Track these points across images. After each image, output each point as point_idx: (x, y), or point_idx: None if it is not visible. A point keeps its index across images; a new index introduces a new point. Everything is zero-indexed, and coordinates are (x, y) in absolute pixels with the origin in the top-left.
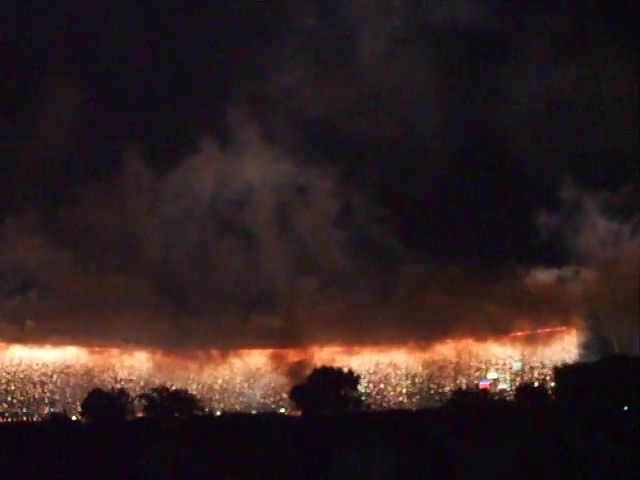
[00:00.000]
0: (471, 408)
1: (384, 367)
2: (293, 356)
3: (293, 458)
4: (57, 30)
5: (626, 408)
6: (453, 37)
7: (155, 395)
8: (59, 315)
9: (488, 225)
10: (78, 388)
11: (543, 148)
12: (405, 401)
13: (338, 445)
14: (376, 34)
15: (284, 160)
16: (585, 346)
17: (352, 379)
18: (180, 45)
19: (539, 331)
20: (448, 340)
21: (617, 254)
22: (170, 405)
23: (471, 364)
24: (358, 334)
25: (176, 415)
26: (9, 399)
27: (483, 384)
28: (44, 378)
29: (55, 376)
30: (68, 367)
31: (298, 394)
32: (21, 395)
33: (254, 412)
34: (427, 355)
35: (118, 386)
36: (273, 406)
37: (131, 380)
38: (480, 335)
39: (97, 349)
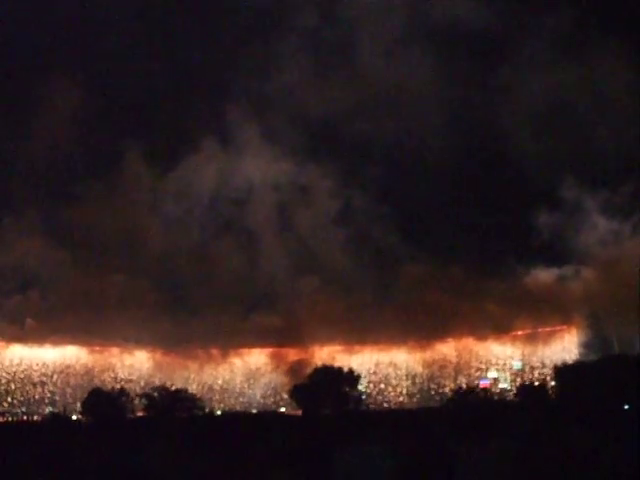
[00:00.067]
0: (471, 407)
1: (384, 367)
2: (293, 355)
3: (293, 457)
4: (57, 29)
5: (627, 407)
6: (453, 37)
7: (155, 394)
8: (59, 314)
9: (488, 224)
10: (78, 388)
11: (543, 147)
12: (405, 401)
13: (338, 444)
14: (376, 33)
15: (284, 159)
16: (585, 345)
17: (352, 378)
18: (181, 44)
19: (539, 330)
20: (448, 339)
21: (617, 253)
22: (170, 404)
23: (471, 363)
24: (358, 333)
25: (176, 414)
26: (9, 399)
27: (483, 383)
28: (44, 378)
29: (55, 376)
30: (68, 367)
31: (298, 393)
32: (21, 395)
33: (254, 411)
34: (427, 354)
35: (118, 385)
36: (273, 406)
37: (131, 379)
38: (480, 334)
39: (97, 348)
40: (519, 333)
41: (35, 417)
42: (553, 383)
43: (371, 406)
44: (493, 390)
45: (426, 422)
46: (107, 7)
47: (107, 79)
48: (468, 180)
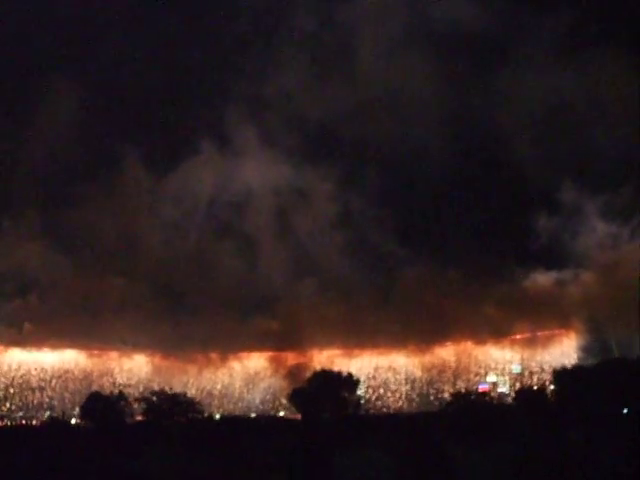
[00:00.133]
0: (470, 411)
1: (383, 371)
2: (292, 359)
3: (292, 461)
4: (57, 32)
5: (626, 411)
6: (452, 40)
7: (154, 398)
8: (58, 318)
9: (487, 228)
10: (77, 393)
11: (542, 150)
12: (405, 406)
13: (338, 448)
14: (375, 36)
15: (283, 162)
16: (584, 349)
17: (351, 382)
18: (179, 47)
19: (538, 334)
20: (448, 343)
21: (616, 257)
22: (169, 408)
23: (470, 367)
24: (357, 337)
25: (175, 418)
26: (7, 405)
27: (482, 387)
28: (43, 383)
29: (54, 381)
30: (67, 371)
31: (297, 397)
32: (20, 400)
33: (253, 415)
34: (427, 358)
35: (117, 390)
36: (272, 411)
37: (130, 384)
38: (479, 338)
39: (96, 352)
40: (518, 337)
41: (34, 422)
42: (552, 387)
43: (370, 411)
44: (492, 394)
45: (425, 426)
46: (106, 10)
47: (106, 82)
48: (467, 183)
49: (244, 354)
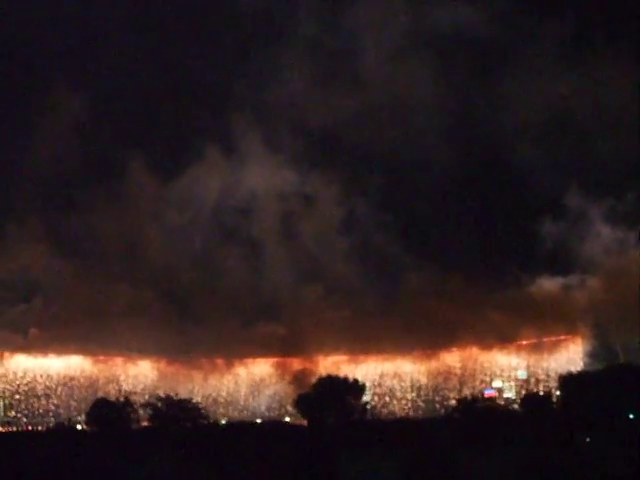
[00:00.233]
0: (476, 417)
1: (389, 379)
2: (297, 365)
3: (298, 467)
4: (61, 39)
5: (631, 416)
6: (456, 45)
7: (160, 404)
8: (63, 323)
9: (493, 233)
10: (82, 401)
11: (547, 156)
12: (410, 414)
13: (343, 454)
14: (378, 42)
15: (288, 168)
16: (590, 354)
17: (357, 388)
18: (183, 53)
19: (544, 340)
20: (453, 349)
21: (622, 262)
22: (175, 414)
23: (476, 373)
24: (363, 342)
25: (181, 424)
26: (13, 413)
27: (488, 393)
28: (48, 391)
29: (59, 388)
30: (72, 379)
31: (302, 403)
32: (25, 408)
33: (259, 421)
34: (432, 364)
35: (122, 397)
36: (278, 417)
37: (135, 390)
38: (485, 343)
39: (101, 358)
40: (524, 342)
41: (40, 427)
42: (558, 392)
43: (376, 417)
44: (498, 400)
45: (431, 432)
46: (110, 17)
47: (110, 88)
48: (472, 189)
49: (249, 360)
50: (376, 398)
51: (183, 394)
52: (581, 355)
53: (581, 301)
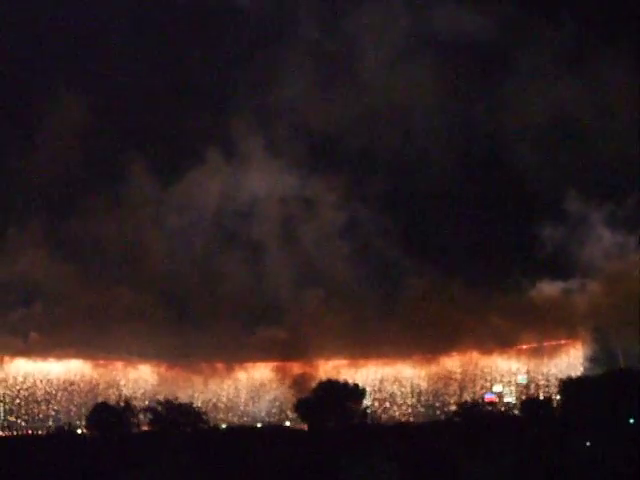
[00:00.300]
0: (477, 421)
1: (389, 384)
2: (298, 369)
3: (299, 472)
4: (62, 42)
5: (632, 421)
6: (456, 49)
7: (160, 408)
8: (63, 327)
9: (493, 237)
10: (83, 406)
11: (547, 160)
12: (411, 420)
13: (344, 458)
14: (379, 45)
15: (289, 172)
16: (591, 359)
17: (357, 392)
18: (184, 57)
19: (545, 344)
20: (453, 353)
21: (623, 266)
22: (175, 418)
23: (476, 377)
24: (363, 346)
25: (181, 429)
26: (13, 418)
27: (489, 397)
28: (48, 396)
29: (59, 394)
30: (72, 383)
31: (303, 407)
32: (25, 413)
33: (259, 425)
34: (432, 369)
35: (122, 402)
36: (278, 422)
37: (135, 394)
38: (485, 348)
39: (101, 362)
40: (524, 347)
41: (40, 431)
42: (558, 397)
43: (376, 422)
44: (498, 404)
45: (431, 436)
46: (110, 21)
47: (111, 91)
48: (472, 193)
49: (250, 364)
50: (376, 403)
51: (183, 398)
52: (581, 360)
53: (581, 305)
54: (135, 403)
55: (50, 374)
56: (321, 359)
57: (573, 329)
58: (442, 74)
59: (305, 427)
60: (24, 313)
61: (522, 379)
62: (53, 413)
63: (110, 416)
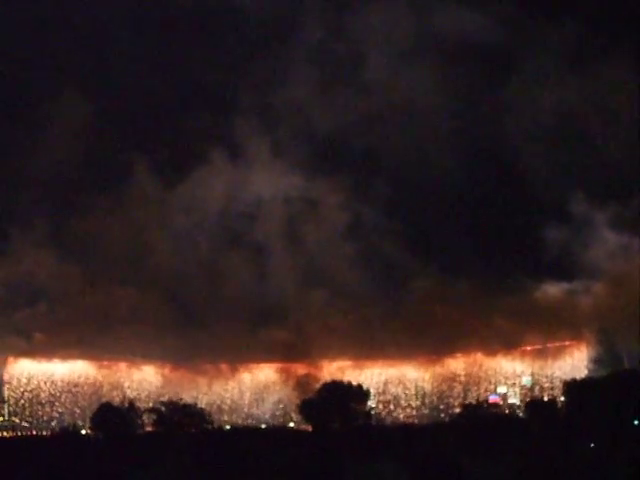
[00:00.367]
0: (481, 422)
1: (393, 386)
2: (302, 370)
3: (303, 473)
4: (65, 42)
5: (636, 422)
6: (461, 51)
7: (164, 409)
8: (68, 328)
9: (498, 239)
10: (87, 408)
11: (552, 162)
12: (415, 421)
13: (348, 459)
14: (384, 47)
15: (293, 173)
16: (595, 360)
17: (361, 393)
18: (189, 58)
19: (549, 345)
20: (458, 354)
21: (628, 268)
22: (180, 419)
23: (481, 379)
24: (367, 348)
25: (186, 429)
26: (17, 419)
27: (493, 398)
28: (52, 398)
29: (64, 396)
30: (76, 385)
31: (307, 408)
32: (29, 415)
33: (264, 426)
34: (437, 370)
35: (127, 401)
36: (282, 424)
37: (140, 395)
38: (490, 349)
39: (106, 363)
40: (529, 348)
41: (44, 432)
42: (563, 398)
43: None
44: (502, 406)
45: (436, 437)
46: (115, 22)
47: (115, 92)
48: (477, 194)
49: (254, 365)
50: (380, 405)
51: (187, 400)
52: (586, 361)
53: (586, 307)
54: (139, 404)
55: (54, 375)
56: (325, 360)
57: (577, 331)
58: (446, 76)
59: (309, 428)
60: (28, 314)
61: (526, 381)
62: (57, 414)
63: (114, 417)
